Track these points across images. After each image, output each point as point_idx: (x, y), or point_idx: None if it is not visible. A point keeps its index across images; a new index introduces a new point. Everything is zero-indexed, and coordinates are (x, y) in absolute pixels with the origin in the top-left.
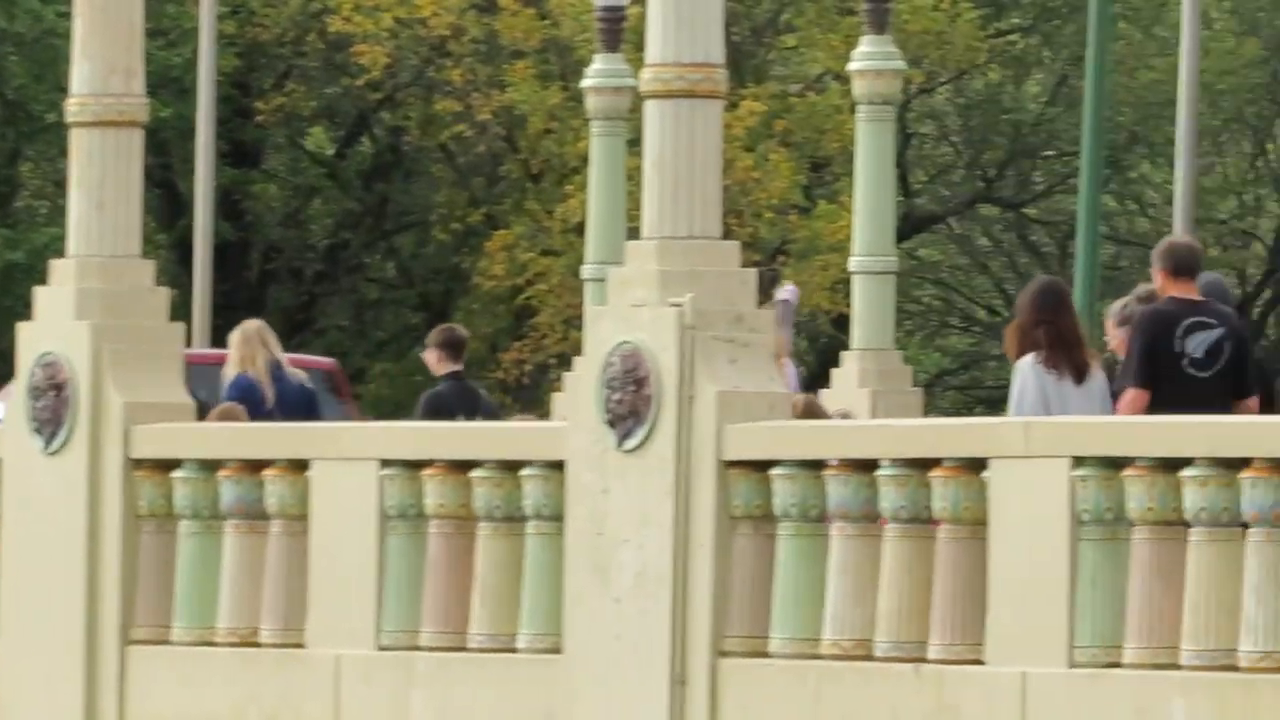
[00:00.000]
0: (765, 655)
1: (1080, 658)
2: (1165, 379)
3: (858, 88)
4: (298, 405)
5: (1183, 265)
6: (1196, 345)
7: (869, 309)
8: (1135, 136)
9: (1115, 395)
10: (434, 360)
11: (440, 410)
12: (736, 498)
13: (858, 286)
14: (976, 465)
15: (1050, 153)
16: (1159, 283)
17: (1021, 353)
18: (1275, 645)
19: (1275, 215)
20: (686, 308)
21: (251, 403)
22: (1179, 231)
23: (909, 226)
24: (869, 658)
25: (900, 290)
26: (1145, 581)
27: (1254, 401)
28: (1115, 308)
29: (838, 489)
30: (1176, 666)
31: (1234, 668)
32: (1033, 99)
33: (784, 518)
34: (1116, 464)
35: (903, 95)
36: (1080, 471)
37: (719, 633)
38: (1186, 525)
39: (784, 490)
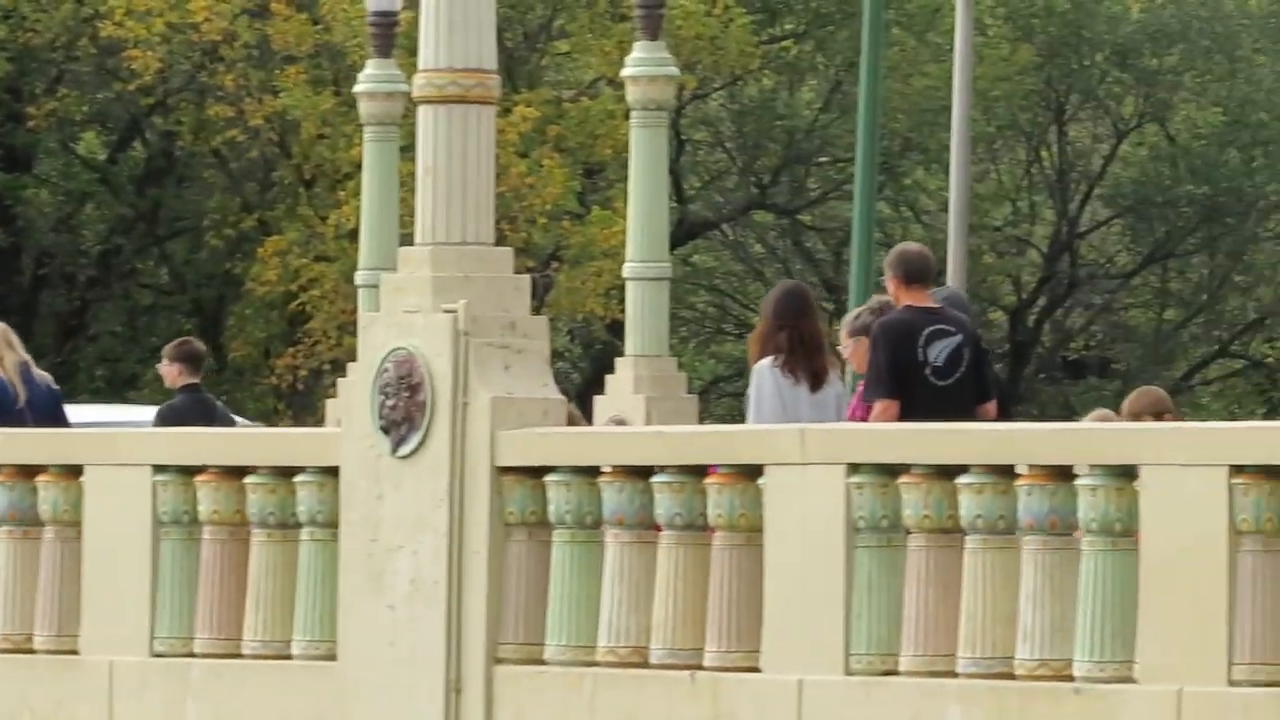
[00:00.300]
0: (541, 663)
1: (856, 665)
2: (911, 388)
3: (631, 93)
4: (46, 406)
5: (915, 273)
6: (938, 353)
7: (643, 315)
8: (909, 143)
9: (865, 406)
10: (173, 374)
11: (175, 424)
12: (511, 504)
13: (632, 293)
14: (752, 472)
15: (824, 159)
16: (892, 291)
17: (763, 355)
18: (1051, 653)
19: (1050, 222)
20: (460, 314)
21: (3, 403)
22: (953, 239)
23: (683, 233)
24: (645, 665)
25: (675, 297)
26: (921, 589)
27: (992, 405)
28: (848, 319)
29: (613, 496)
30: (953, 674)
31: (1010, 676)
32: (806, 105)
33: (559, 524)
34: (892, 471)
35: (676, 101)
36: (856, 478)
37: (494, 640)
38: (963, 533)
39: (559, 497)
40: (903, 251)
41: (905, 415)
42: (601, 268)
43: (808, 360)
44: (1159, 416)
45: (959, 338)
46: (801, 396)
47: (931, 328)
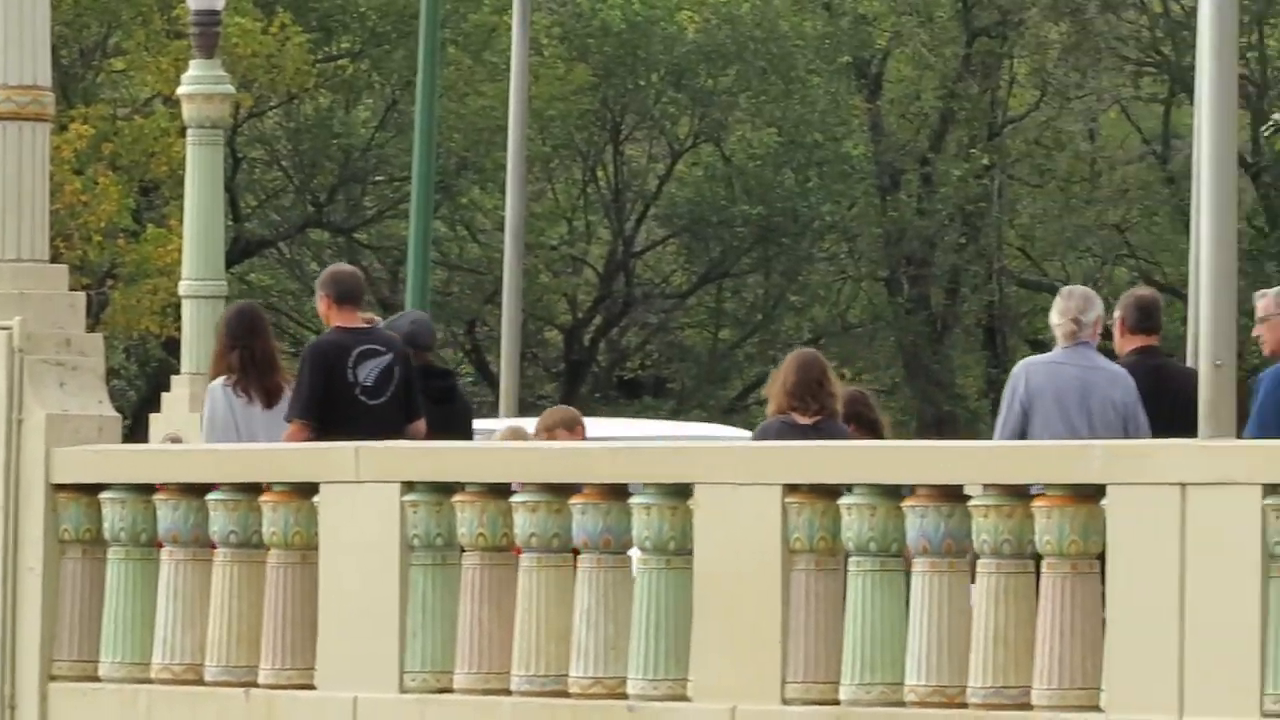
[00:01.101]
0: (96, 679)
1: (411, 683)
2: (340, 407)
3: (187, 111)
4: None
5: (346, 293)
6: (368, 373)
7: (199, 333)
8: (466, 162)
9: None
10: None
11: None
12: (66, 521)
13: (188, 310)
14: (307, 490)
15: (381, 178)
16: (324, 311)
17: (217, 375)
18: (606, 672)
19: (605, 241)
20: (15, 331)
21: None
22: (509, 258)
23: (239, 251)
24: (200, 682)
25: None
26: (476, 607)
27: (421, 424)
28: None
29: (168, 513)
30: (507, 692)
31: (565, 694)
32: (363, 124)
33: (114, 542)
34: (447, 489)
35: (232, 119)
36: (411, 496)
37: (49, 657)
38: (517, 550)
39: (114, 514)
40: (334, 272)
41: (335, 434)
42: (157, 285)
43: (260, 378)
44: (571, 431)
45: (389, 357)
46: (255, 415)
47: (361, 348)
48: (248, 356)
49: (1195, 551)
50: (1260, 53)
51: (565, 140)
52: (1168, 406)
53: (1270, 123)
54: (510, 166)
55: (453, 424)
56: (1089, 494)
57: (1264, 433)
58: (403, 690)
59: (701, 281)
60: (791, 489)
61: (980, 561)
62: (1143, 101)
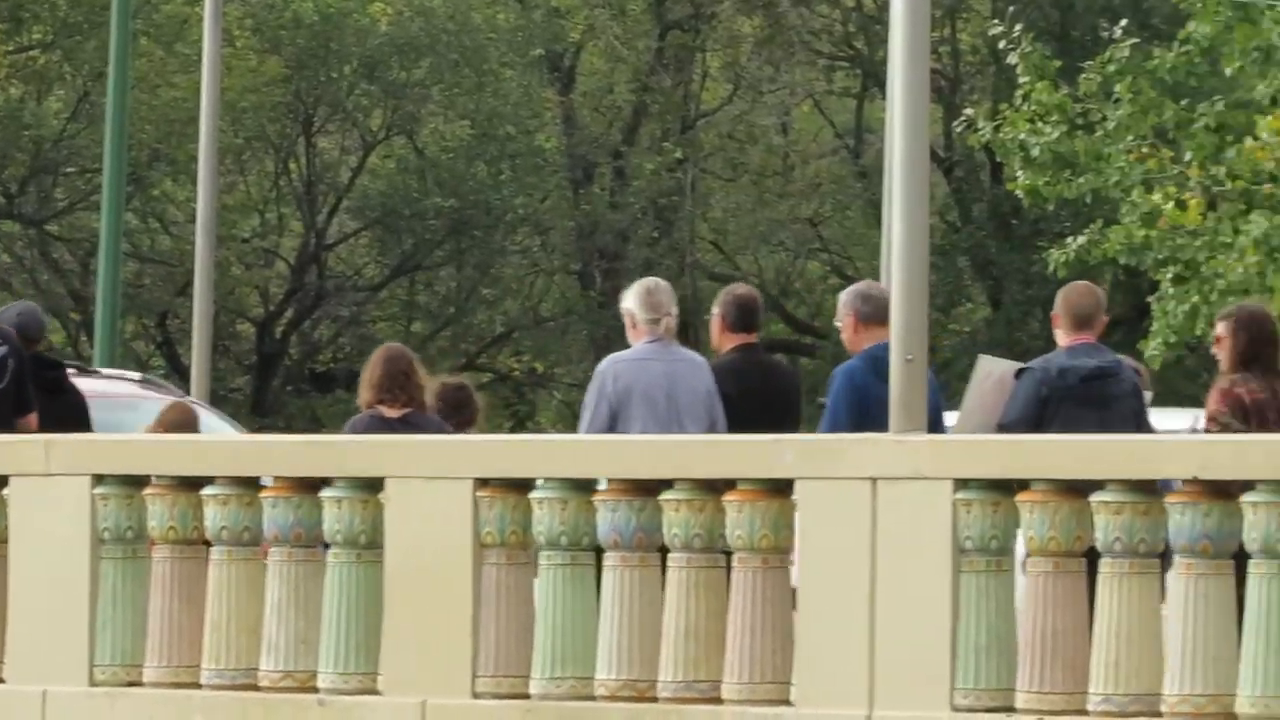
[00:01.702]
0: None
1: (100, 676)
2: None
3: None
4: None
5: None
6: None
7: None
8: (158, 154)
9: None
10: None
11: None
12: None
13: None
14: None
15: (72, 169)
16: None
17: None
18: (295, 665)
19: (297, 234)
20: None
21: None
22: (201, 250)
23: None
24: None
25: None
26: (167, 600)
27: (33, 418)
28: None
29: None
30: (198, 685)
31: (255, 687)
32: (55, 115)
33: None
34: (138, 482)
35: None
36: (101, 489)
37: None
38: (208, 544)
39: None
40: None
41: None
42: None
43: None
44: (184, 428)
45: (4, 349)
46: None
47: None
48: None
49: (886, 546)
50: (953, 47)
51: (257, 132)
52: (779, 403)
53: (963, 118)
54: (202, 158)
55: (64, 414)
56: (781, 488)
57: (836, 429)
58: (93, 683)
59: (394, 274)
60: (482, 483)
61: (671, 555)
62: (835, 96)
